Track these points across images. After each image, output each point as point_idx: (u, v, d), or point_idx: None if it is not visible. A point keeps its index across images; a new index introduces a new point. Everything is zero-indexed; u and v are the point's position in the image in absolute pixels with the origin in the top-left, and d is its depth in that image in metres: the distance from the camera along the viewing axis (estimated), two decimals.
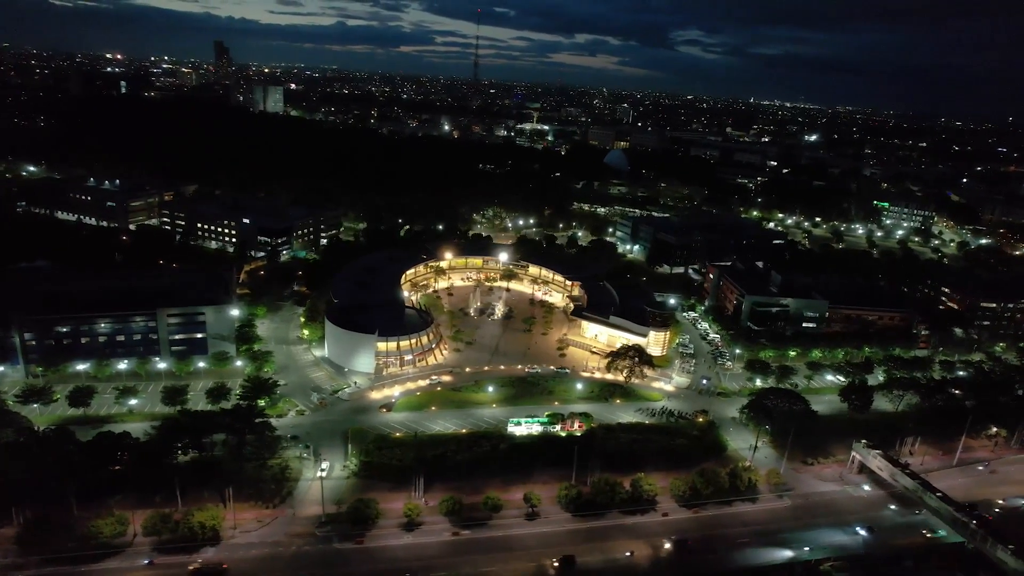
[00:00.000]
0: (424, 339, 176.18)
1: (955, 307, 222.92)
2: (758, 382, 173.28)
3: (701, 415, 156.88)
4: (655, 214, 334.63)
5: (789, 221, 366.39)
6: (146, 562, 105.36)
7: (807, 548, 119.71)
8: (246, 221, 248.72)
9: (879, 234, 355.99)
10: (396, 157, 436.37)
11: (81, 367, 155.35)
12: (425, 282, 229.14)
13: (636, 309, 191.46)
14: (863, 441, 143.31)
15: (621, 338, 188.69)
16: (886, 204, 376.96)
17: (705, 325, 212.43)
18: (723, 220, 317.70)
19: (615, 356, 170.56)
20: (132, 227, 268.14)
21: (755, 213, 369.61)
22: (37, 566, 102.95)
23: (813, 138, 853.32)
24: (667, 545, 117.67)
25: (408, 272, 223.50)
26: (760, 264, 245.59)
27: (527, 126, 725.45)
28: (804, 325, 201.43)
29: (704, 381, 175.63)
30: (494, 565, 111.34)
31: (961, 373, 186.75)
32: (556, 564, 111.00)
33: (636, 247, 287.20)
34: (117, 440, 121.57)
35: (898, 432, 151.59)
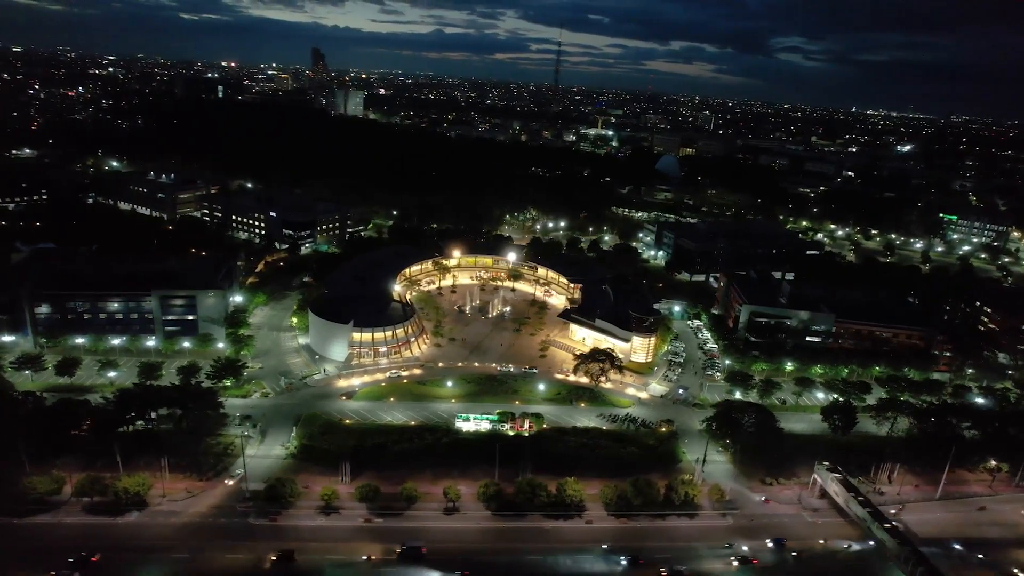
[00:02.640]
0: (401, 332, 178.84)
1: (995, 328, 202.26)
2: (738, 395, 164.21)
3: (665, 425, 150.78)
4: (691, 220, 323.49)
5: (839, 233, 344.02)
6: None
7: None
8: (272, 214, 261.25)
9: (939, 249, 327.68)
10: (448, 158, 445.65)
11: (80, 340, 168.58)
12: (428, 279, 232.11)
13: (623, 314, 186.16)
14: (825, 463, 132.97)
15: (605, 342, 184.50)
16: (953, 217, 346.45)
17: (707, 334, 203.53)
18: (755, 228, 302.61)
19: (583, 359, 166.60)
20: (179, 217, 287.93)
21: (804, 223, 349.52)
22: None
23: (906, 148, 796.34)
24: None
25: (412, 268, 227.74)
26: (783, 274, 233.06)
27: (591, 131, 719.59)
28: (808, 339, 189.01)
29: (680, 391, 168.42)
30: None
31: (980, 400, 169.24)
32: (274, 558, 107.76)
33: (660, 253, 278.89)
34: (75, 407, 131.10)
35: (877, 457, 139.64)
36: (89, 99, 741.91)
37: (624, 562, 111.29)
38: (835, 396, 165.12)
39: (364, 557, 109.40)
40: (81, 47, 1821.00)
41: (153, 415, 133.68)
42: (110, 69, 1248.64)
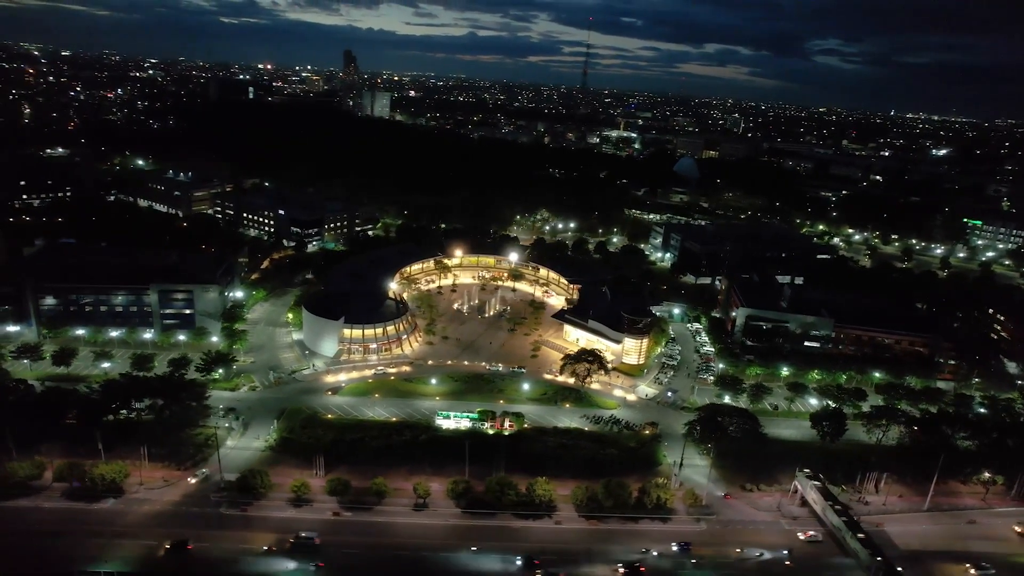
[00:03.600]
0: (391, 329, 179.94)
1: (1007, 336, 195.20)
2: (727, 399, 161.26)
3: (649, 427, 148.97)
4: (702, 222, 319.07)
5: (857, 237, 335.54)
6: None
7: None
8: (281, 212, 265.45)
9: (961, 255, 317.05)
10: (466, 159, 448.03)
11: (80, 332, 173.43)
12: (428, 278, 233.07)
13: (616, 315, 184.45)
14: (806, 470, 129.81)
15: (599, 343, 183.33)
16: (978, 222, 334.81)
17: (705, 337, 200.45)
18: (766, 231, 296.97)
19: (570, 359, 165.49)
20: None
21: (821, 227, 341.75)
22: None
23: (941, 152, 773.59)
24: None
25: (413, 267, 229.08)
26: (792, 278, 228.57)
27: (613, 133, 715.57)
28: (807, 344, 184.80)
29: (669, 394, 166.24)
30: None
31: (982, 411, 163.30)
32: (168, 547, 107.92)
33: (667, 255, 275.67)
34: (62, 395, 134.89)
35: (864, 466, 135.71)
36: (126, 100, 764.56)
37: (519, 562, 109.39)
38: (828, 403, 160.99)
39: (264, 548, 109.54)
40: (125, 51, 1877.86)
41: (138, 405, 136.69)
42: (150, 72, 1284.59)
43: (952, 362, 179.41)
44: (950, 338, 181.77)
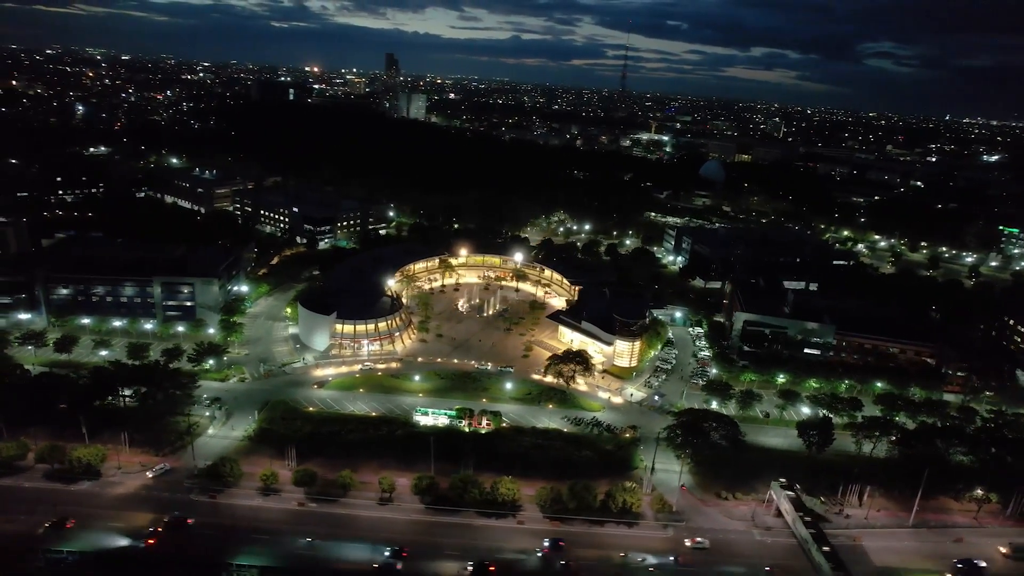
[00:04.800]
0: (383, 325, 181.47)
1: None
2: (714, 404, 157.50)
3: (630, 431, 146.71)
4: (720, 225, 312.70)
5: (883, 244, 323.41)
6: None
7: None
8: (295, 210, 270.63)
9: (994, 263, 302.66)
10: (491, 160, 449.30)
11: (86, 321, 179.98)
12: (431, 276, 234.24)
13: (610, 317, 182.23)
14: (781, 480, 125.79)
15: (591, 344, 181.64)
16: (1015, 231, 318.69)
17: (705, 342, 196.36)
18: (781, 235, 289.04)
19: (555, 360, 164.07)
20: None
21: (845, 233, 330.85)
22: None
23: (993, 158, 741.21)
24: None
25: (418, 265, 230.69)
26: (807, 284, 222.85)
27: (644, 136, 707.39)
28: (807, 351, 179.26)
29: (656, 398, 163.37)
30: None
31: (991, 425, 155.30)
32: (47, 525, 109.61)
33: (679, 258, 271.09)
34: (54, 381, 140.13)
35: (848, 478, 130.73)
36: (173, 102, 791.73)
37: (387, 553, 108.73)
38: (823, 412, 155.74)
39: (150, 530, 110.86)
40: (181, 54, 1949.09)
41: (125, 392, 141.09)
42: (200, 74, 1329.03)
43: (960, 374, 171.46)
44: (959, 348, 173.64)
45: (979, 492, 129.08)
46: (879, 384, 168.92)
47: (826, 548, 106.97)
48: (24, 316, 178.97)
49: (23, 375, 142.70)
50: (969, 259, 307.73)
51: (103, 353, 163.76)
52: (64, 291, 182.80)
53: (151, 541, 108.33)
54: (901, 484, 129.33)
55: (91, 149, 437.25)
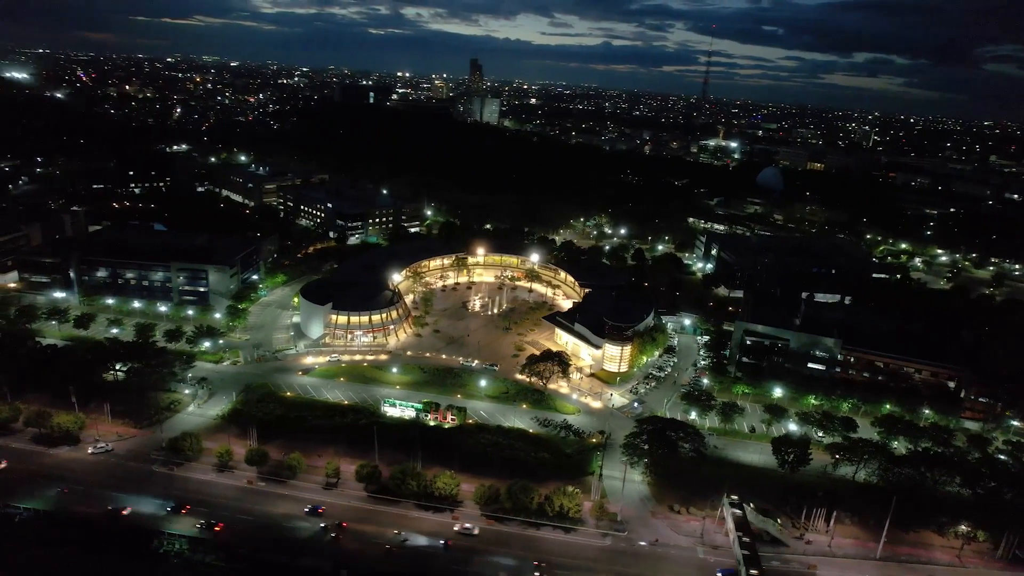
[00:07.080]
0: (378, 318, 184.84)
1: None
2: (693, 415, 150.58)
3: (597, 436, 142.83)
4: (749, 233, 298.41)
5: (944, 259, 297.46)
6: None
7: None
8: (329, 205, 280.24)
9: None
10: (541, 163, 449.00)
11: (110, 301, 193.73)
12: (444, 273, 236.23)
13: (600, 321, 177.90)
14: (733, 497, 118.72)
15: (583, 346, 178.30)
16: None
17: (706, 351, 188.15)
18: (818, 246, 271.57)
19: (532, 360, 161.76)
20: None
21: (902, 245, 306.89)
22: None
23: None
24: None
25: (432, 262, 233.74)
26: (842, 297, 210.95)
27: (711, 142, 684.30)
28: (810, 365, 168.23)
29: (636, 404, 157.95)
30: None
31: (1002, 457, 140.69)
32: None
33: (708, 265, 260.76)
34: (57, 352, 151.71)
35: (813, 501, 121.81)
36: (263, 103, 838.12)
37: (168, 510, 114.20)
38: (813, 429, 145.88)
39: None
40: (284, 60, 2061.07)
41: (119, 367, 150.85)
42: (296, 78, 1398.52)
43: (983, 399, 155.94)
44: (986, 371, 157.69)
45: (963, 528, 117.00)
46: (888, 405, 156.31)
47: (754, 572, 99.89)
48: (59, 295, 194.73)
49: (33, 345, 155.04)
50: None
51: (114, 331, 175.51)
52: (96, 273, 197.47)
53: None
54: (873, 511, 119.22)
55: (173, 147, 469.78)
